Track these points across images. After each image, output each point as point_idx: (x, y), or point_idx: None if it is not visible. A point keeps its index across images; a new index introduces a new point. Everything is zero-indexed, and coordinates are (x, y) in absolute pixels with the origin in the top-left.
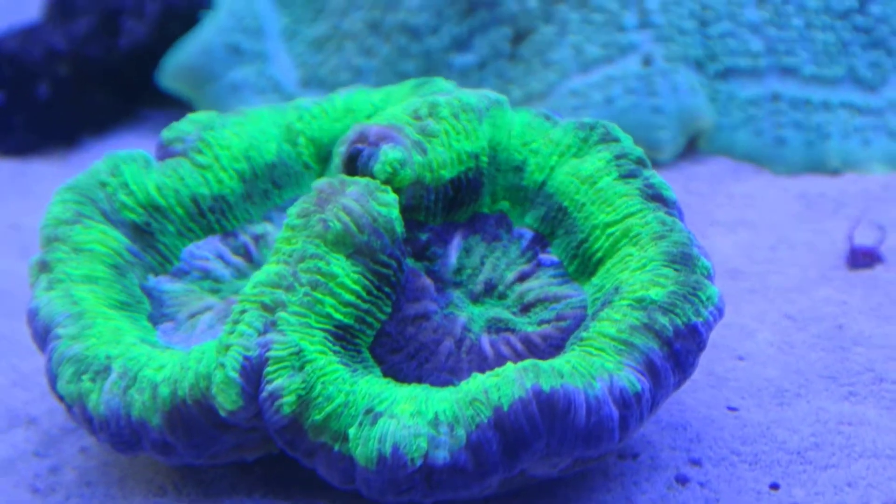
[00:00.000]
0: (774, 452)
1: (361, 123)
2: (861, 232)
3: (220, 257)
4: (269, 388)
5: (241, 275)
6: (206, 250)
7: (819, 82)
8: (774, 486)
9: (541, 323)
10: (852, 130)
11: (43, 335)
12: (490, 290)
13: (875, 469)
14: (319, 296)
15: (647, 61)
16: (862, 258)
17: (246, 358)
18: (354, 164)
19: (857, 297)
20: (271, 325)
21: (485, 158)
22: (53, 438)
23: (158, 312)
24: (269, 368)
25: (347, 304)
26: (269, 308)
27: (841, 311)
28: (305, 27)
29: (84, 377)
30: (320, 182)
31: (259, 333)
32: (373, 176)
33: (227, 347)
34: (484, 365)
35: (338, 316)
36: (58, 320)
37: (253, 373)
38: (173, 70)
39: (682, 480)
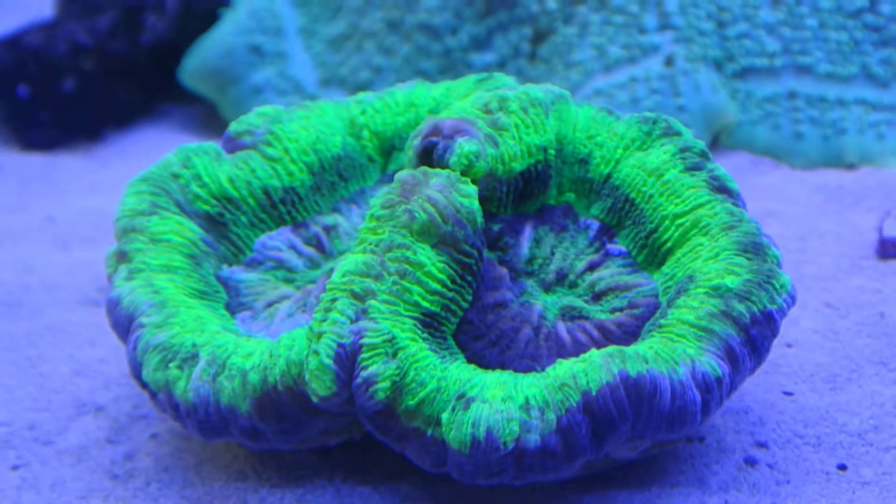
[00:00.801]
0: (836, 435)
1: (434, 117)
2: (890, 223)
3: (293, 248)
4: (364, 374)
5: (314, 265)
6: (278, 241)
7: (834, 80)
8: (842, 467)
9: (613, 311)
10: (867, 126)
11: (126, 324)
12: (561, 280)
13: None
14: (407, 284)
15: (669, 62)
16: (892, 248)
17: (340, 345)
18: (429, 157)
19: (890, 286)
20: (362, 313)
21: (552, 151)
22: (123, 426)
23: (235, 302)
24: (363, 355)
25: (434, 292)
26: (359, 296)
27: (878, 300)
28: (323, 26)
29: (171, 365)
30: (403, 174)
31: (351, 321)
32: (448, 168)
33: (320, 335)
34: (563, 351)
35: (425, 304)
36: (142, 309)
37: (347, 359)
38: (196, 70)
39: (751, 462)
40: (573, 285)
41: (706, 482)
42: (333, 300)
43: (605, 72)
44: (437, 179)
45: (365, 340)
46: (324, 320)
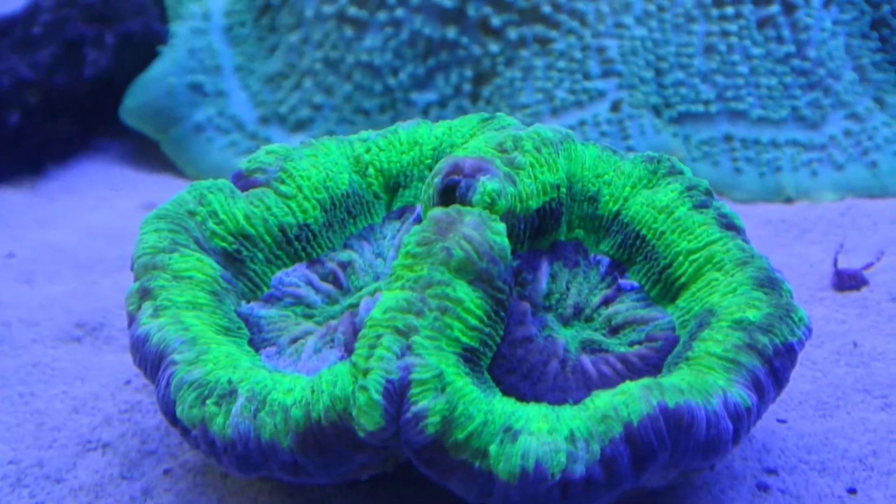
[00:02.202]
0: (839, 460)
1: (453, 155)
2: (843, 256)
3: (310, 284)
4: (415, 409)
5: (332, 301)
6: (294, 277)
7: (766, 123)
8: (852, 491)
9: (632, 343)
10: (801, 164)
11: (156, 361)
12: (578, 314)
13: None
14: (448, 320)
15: (616, 107)
16: (848, 280)
17: (388, 381)
18: (450, 195)
19: (852, 316)
20: (407, 349)
21: (563, 189)
22: (134, 462)
23: (259, 338)
24: (413, 391)
25: (473, 328)
26: (402, 332)
27: (846, 330)
28: (259, 64)
29: (208, 402)
30: (437, 212)
31: (397, 357)
32: (470, 206)
33: (367, 371)
34: (590, 383)
35: (465, 339)
36: (173, 346)
37: (396, 395)
38: (137, 109)
39: (764, 488)
40: (589, 319)
41: None
42: (378, 336)
43: (553, 114)
44: (470, 217)
45: (414, 376)
46: (369, 356)
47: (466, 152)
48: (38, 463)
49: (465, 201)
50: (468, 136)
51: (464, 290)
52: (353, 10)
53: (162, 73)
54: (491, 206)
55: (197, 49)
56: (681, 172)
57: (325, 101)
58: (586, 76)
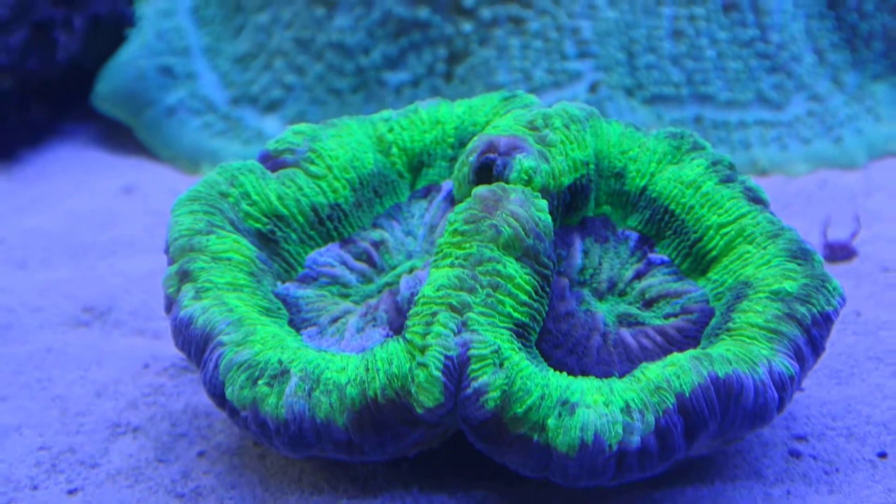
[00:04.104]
0: (863, 426)
1: (487, 134)
2: (832, 229)
3: (345, 263)
4: (475, 384)
5: (367, 279)
6: (328, 257)
7: (734, 106)
8: (882, 455)
9: (667, 316)
10: (770, 140)
11: (201, 343)
12: (612, 288)
13: None
14: (500, 297)
15: (594, 88)
16: (840, 251)
17: (448, 357)
18: (486, 173)
19: (849, 287)
20: (463, 326)
21: (592, 166)
22: (167, 445)
23: (298, 318)
24: (472, 366)
25: (523, 303)
26: (457, 309)
27: (847, 300)
28: (227, 45)
29: (259, 382)
30: (481, 190)
31: (455, 333)
32: (509, 183)
33: (425, 348)
34: (632, 356)
35: (517, 315)
36: (220, 328)
37: (455, 371)
38: (108, 95)
39: (796, 454)
40: (623, 293)
41: (762, 473)
42: (433, 314)
43: (532, 94)
44: (515, 195)
45: (473, 352)
46: (426, 333)
47: (499, 130)
48: (69, 448)
49: (501, 179)
50: (490, 115)
51: (513, 267)
52: None
53: (131, 57)
54: (528, 184)
55: (164, 31)
56: (704, 148)
57: (296, 82)
58: (563, 57)
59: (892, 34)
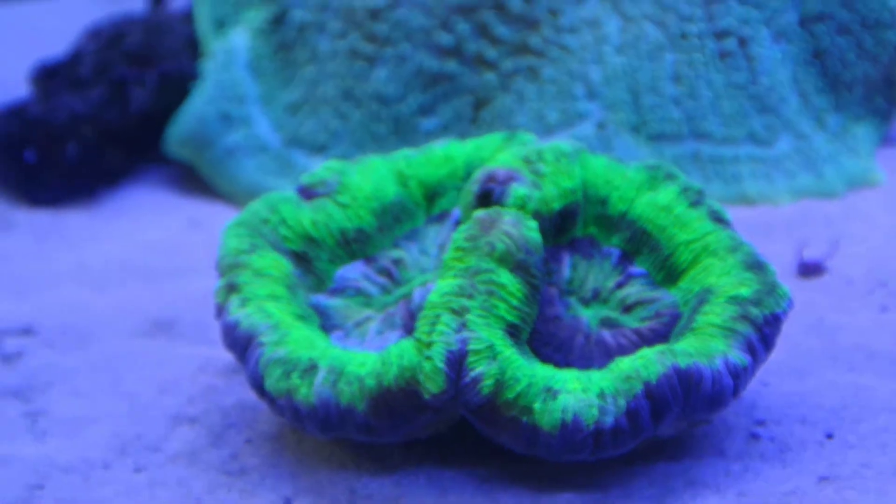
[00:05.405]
0: (816, 412)
1: (487, 167)
2: (808, 250)
3: (368, 278)
4: (473, 374)
5: (387, 291)
6: (354, 273)
7: (728, 142)
8: (829, 436)
9: (643, 319)
10: (759, 175)
11: (245, 343)
12: (596, 296)
13: (892, 420)
14: (495, 301)
15: (602, 126)
16: (813, 269)
17: (450, 351)
18: (486, 199)
19: (817, 297)
20: (463, 326)
21: (580, 193)
22: (219, 433)
23: (328, 323)
24: (470, 359)
25: (514, 308)
26: (457, 312)
27: (812, 309)
28: (279, 93)
29: (293, 375)
30: (480, 213)
31: (455, 332)
32: (504, 207)
33: (430, 344)
34: (610, 352)
35: (509, 317)
36: (260, 330)
37: (456, 363)
38: (177, 139)
39: (756, 437)
40: (605, 301)
41: (725, 451)
42: (437, 316)
43: (547, 133)
44: (509, 217)
45: (470, 347)
46: (431, 332)
47: (498, 163)
48: (136, 436)
49: (499, 204)
50: (494, 151)
51: (506, 277)
52: (363, 47)
53: (195, 106)
54: (522, 208)
55: (224, 82)
56: (676, 177)
57: (340, 127)
58: (573, 98)
59: (872, 81)
